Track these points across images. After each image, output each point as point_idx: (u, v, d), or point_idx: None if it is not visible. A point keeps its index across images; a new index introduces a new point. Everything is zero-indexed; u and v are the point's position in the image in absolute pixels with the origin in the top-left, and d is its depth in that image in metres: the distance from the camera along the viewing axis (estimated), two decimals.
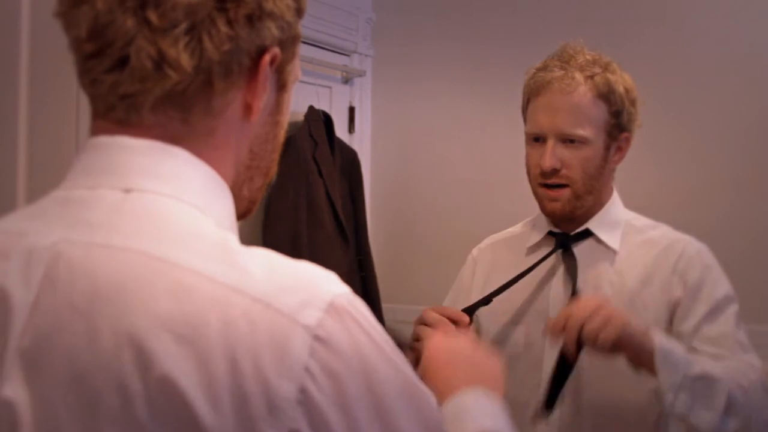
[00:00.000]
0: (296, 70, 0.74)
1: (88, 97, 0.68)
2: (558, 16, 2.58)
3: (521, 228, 1.63)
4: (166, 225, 0.63)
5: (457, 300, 1.63)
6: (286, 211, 2.46)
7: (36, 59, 1.86)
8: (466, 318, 1.34)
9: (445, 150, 2.84)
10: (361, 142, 2.92)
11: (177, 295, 0.58)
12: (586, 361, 1.36)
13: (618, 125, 1.46)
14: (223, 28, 0.64)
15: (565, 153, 1.44)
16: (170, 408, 0.56)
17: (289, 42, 0.71)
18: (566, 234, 1.50)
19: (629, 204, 1.57)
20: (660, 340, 1.29)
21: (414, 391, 0.64)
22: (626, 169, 1.55)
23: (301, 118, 2.57)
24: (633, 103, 1.47)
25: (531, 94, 1.49)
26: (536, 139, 1.47)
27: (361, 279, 2.69)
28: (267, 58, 0.68)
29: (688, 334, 1.38)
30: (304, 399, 0.57)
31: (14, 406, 0.59)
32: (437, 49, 2.84)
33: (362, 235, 2.74)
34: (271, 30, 0.68)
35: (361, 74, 2.91)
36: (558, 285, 1.48)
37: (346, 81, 2.89)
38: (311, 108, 2.60)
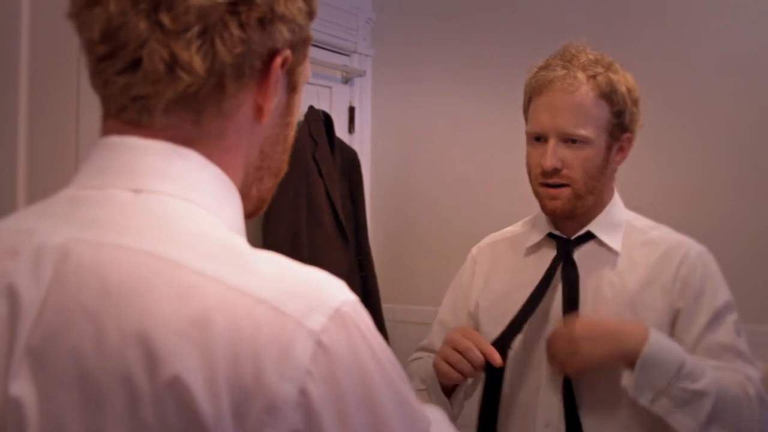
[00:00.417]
0: (307, 71, 0.75)
1: (100, 98, 0.68)
2: (558, 16, 2.57)
3: (521, 227, 1.63)
4: (176, 226, 0.63)
5: (457, 299, 1.63)
6: (286, 211, 2.45)
7: (36, 59, 1.85)
8: (498, 359, 1.37)
9: (445, 150, 2.83)
10: (361, 142, 2.92)
11: (184, 296, 0.59)
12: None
13: (620, 125, 1.46)
14: (236, 31, 0.64)
15: (567, 153, 1.43)
16: (176, 408, 0.57)
17: (300, 44, 0.71)
18: (567, 239, 1.50)
19: (630, 204, 1.57)
20: (648, 349, 1.31)
21: (406, 409, 0.64)
22: (626, 169, 1.55)
23: (301, 118, 2.57)
24: (635, 103, 1.47)
25: (532, 93, 1.48)
26: (537, 139, 1.47)
27: (361, 279, 2.68)
28: (278, 60, 0.68)
29: (689, 345, 1.39)
30: (304, 401, 0.58)
31: (21, 403, 0.59)
32: (437, 49, 2.83)
33: (362, 235, 2.73)
34: (283, 33, 0.68)
35: (361, 74, 2.90)
36: (558, 295, 1.47)
37: (346, 81, 2.89)
38: (311, 108, 2.59)
